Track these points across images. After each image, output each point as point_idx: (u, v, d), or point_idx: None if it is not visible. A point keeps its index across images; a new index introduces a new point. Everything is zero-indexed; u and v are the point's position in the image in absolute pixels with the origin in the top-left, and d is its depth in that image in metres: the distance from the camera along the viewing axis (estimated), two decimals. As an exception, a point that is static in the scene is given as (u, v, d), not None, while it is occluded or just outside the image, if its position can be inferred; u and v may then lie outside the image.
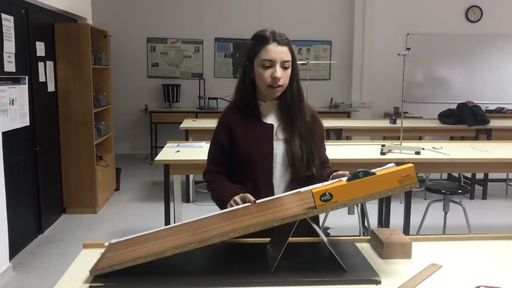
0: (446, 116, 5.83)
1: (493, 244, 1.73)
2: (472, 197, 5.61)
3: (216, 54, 8.21)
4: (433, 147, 3.89)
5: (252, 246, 1.65)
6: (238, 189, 1.77)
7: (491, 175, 5.79)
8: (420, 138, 6.06)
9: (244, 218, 1.49)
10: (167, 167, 3.49)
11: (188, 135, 5.34)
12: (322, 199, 1.38)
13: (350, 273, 1.42)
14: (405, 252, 1.59)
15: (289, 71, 1.80)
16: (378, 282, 1.39)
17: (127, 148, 8.12)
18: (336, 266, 1.44)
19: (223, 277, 1.39)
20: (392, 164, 1.53)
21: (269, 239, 1.67)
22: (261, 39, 1.80)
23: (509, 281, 1.42)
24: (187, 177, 5.37)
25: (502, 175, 6.06)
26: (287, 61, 1.78)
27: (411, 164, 1.40)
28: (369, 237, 1.73)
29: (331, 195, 1.38)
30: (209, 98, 7.85)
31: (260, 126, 1.87)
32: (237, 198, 1.70)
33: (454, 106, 5.89)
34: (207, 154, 1.99)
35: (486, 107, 7.61)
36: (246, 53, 1.86)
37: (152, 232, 1.63)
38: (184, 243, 1.38)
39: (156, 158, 3.54)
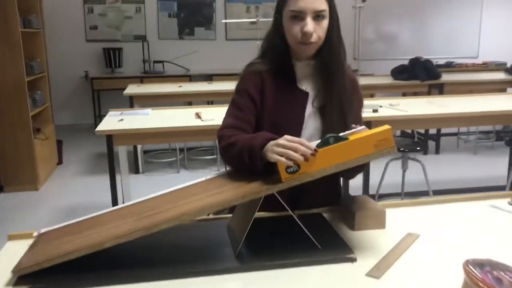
0: (399, 72, 5.77)
1: (466, 206, 1.61)
2: (425, 152, 5.64)
3: (159, 14, 7.73)
4: (390, 104, 3.79)
5: (210, 226, 1.45)
6: (271, 135, 1.34)
7: (443, 130, 5.83)
8: (371, 96, 5.98)
9: (199, 196, 1.27)
10: (110, 137, 3.19)
11: (133, 102, 5.01)
12: (288, 171, 1.19)
13: (322, 251, 1.25)
14: (378, 222, 1.45)
15: (325, 22, 1.47)
16: (353, 260, 1.23)
17: (68, 118, 7.63)
18: (305, 243, 1.26)
19: (176, 267, 1.18)
20: (363, 127, 1.34)
21: (230, 215, 1.47)
22: None
23: (491, 248, 1.30)
24: (135, 146, 5.08)
25: (453, 129, 6.13)
26: (321, 11, 1.44)
27: (387, 126, 1.22)
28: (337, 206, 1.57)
29: (298, 166, 1.19)
30: (155, 62, 7.43)
31: (294, 92, 1.56)
32: (287, 137, 1.24)
33: (404, 62, 5.82)
34: (223, 118, 1.56)
35: (436, 62, 7.62)
36: (276, 3, 1.53)
37: (91, 218, 1.40)
38: (127, 232, 1.16)
39: (97, 129, 3.23)
